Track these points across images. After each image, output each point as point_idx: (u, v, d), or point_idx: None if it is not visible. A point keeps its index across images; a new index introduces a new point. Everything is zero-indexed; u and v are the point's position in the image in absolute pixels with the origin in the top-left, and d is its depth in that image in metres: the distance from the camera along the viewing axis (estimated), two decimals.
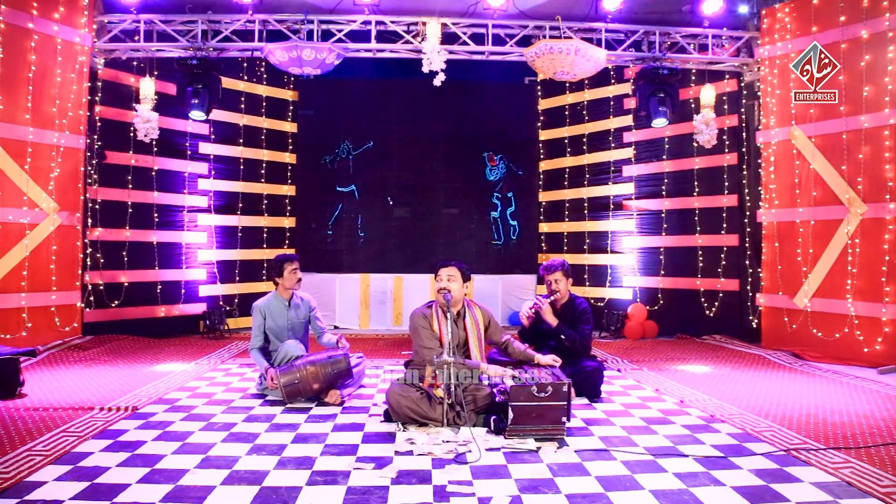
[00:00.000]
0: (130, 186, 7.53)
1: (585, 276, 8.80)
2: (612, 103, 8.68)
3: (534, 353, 4.36)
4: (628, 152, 8.55)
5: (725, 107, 7.84)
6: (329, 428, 3.90)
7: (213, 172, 8.21)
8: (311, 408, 4.38)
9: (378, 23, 7.36)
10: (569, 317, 4.84)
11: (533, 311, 4.79)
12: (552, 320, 4.76)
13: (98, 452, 3.38)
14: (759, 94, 7.48)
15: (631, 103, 8.25)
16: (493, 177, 9.20)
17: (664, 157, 8.27)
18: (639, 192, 8.48)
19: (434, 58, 7.00)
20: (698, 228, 8.02)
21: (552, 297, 4.86)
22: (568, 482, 3.00)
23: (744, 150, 7.76)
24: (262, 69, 8.51)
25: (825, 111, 6.61)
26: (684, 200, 8.14)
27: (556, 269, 4.87)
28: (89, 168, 7.17)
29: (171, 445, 3.52)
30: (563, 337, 4.74)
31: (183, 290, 7.93)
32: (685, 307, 8.08)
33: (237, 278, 8.42)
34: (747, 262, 7.72)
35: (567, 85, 8.93)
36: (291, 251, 8.80)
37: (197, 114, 7.09)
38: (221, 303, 8.26)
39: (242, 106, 8.43)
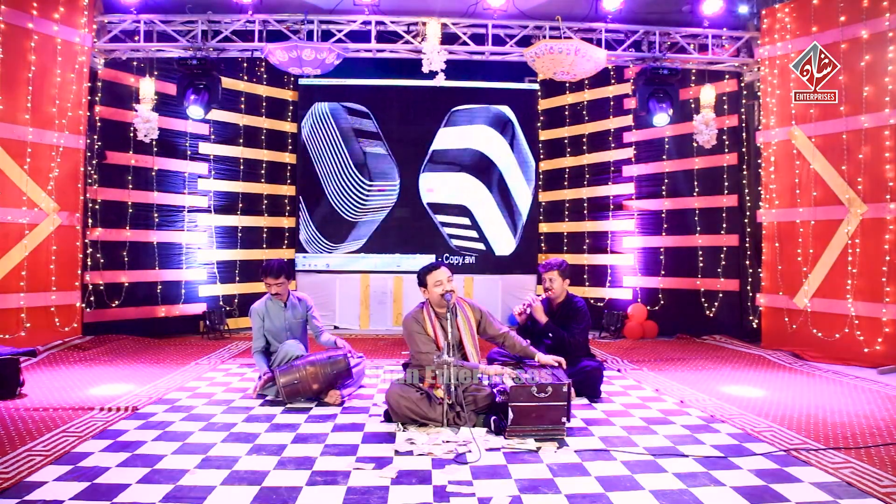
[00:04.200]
0: (130, 186, 7.53)
1: (585, 277, 8.80)
2: (612, 103, 8.68)
3: (535, 350, 4.33)
4: (628, 152, 8.55)
5: (725, 107, 7.84)
6: (329, 428, 3.90)
7: (213, 172, 8.21)
8: (311, 408, 4.38)
9: (378, 23, 7.36)
10: (564, 316, 4.87)
11: (526, 308, 4.83)
12: (542, 318, 4.82)
13: (98, 452, 3.38)
14: (759, 94, 7.48)
15: (631, 103, 8.25)
16: None
17: (664, 157, 8.27)
18: (639, 192, 8.48)
19: (434, 58, 7.00)
20: (698, 228, 8.02)
21: (545, 296, 4.94)
22: (568, 482, 3.00)
23: (744, 150, 7.76)
24: (262, 69, 8.51)
25: (825, 111, 6.61)
26: (684, 200, 8.14)
27: (552, 268, 4.91)
28: (89, 168, 7.17)
29: (171, 445, 3.52)
30: (549, 335, 4.78)
31: (183, 291, 7.93)
32: (685, 307, 8.07)
33: (237, 278, 8.42)
34: (747, 262, 7.72)
35: (567, 85, 8.93)
36: (291, 252, 8.81)
37: (195, 110, 7.08)
38: (221, 303, 8.26)
39: (242, 106, 8.43)
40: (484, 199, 9.13)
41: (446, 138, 9.11)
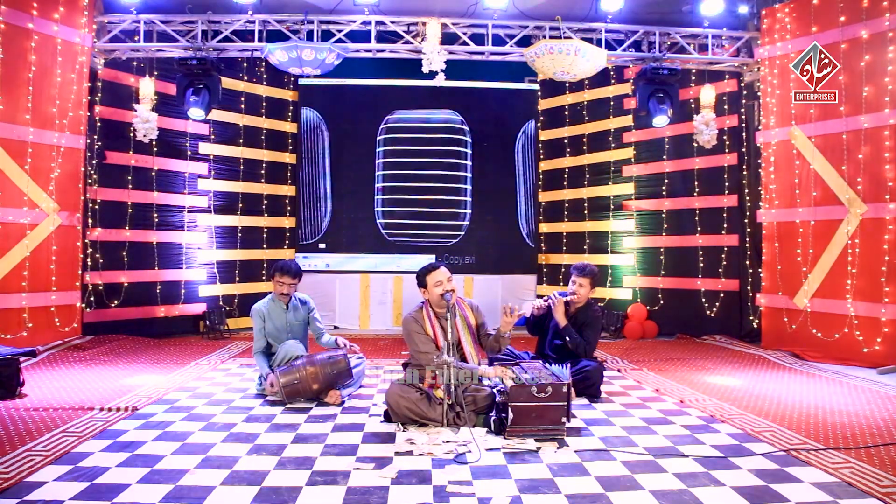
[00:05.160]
0: (130, 186, 7.52)
1: None
2: (612, 103, 8.68)
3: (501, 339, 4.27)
4: (628, 152, 8.55)
5: (725, 107, 7.84)
6: (329, 428, 3.90)
7: (213, 172, 8.21)
8: (311, 408, 4.38)
9: (378, 23, 7.36)
10: (580, 321, 4.84)
11: (546, 304, 4.79)
12: (562, 320, 4.76)
13: (98, 452, 3.38)
14: (759, 94, 7.48)
15: (631, 103, 8.25)
16: None
17: (664, 157, 8.27)
18: (639, 192, 8.47)
19: (434, 58, 7.01)
20: (698, 228, 8.02)
21: (568, 298, 4.83)
22: (568, 482, 3.00)
23: (744, 150, 7.76)
24: (262, 69, 8.50)
25: (825, 111, 6.61)
26: (684, 200, 8.14)
27: (586, 275, 4.83)
28: (89, 168, 7.17)
29: (171, 445, 3.53)
30: (567, 339, 4.74)
31: (183, 291, 7.92)
32: (685, 307, 8.07)
33: (237, 278, 8.41)
34: (747, 262, 7.71)
35: (567, 85, 8.93)
36: (291, 252, 8.81)
37: (196, 111, 7.10)
38: (221, 303, 8.25)
39: (242, 106, 8.42)
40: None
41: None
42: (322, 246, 8.92)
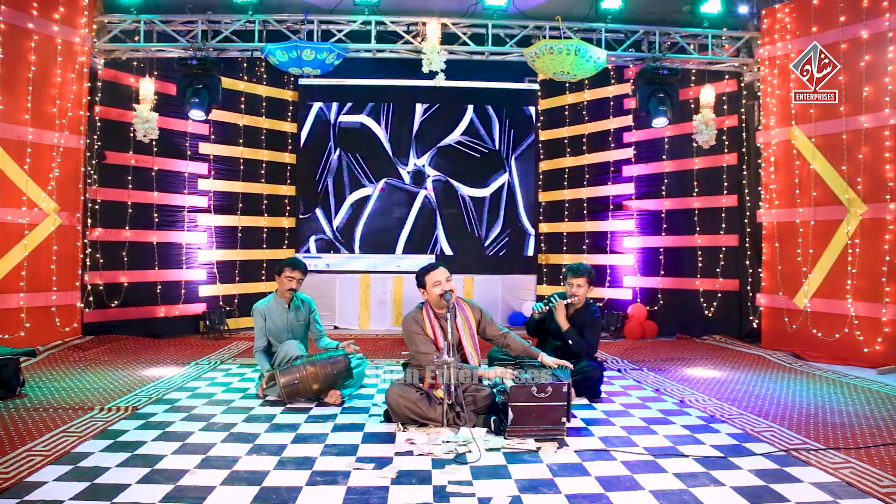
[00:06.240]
0: (130, 186, 7.53)
1: None
2: (612, 103, 8.68)
3: (538, 350, 4.28)
4: (628, 152, 8.54)
5: (725, 107, 7.84)
6: (329, 428, 3.90)
7: (213, 172, 8.21)
8: (311, 408, 4.38)
9: (378, 23, 7.36)
10: (580, 322, 4.83)
11: (547, 308, 4.77)
12: (563, 323, 4.75)
13: (98, 452, 3.38)
14: (759, 94, 7.48)
15: (631, 103, 8.25)
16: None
17: (664, 157, 8.27)
18: (639, 192, 8.47)
19: (434, 58, 7.01)
20: (698, 228, 8.02)
21: (569, 300, 4.81)
22: (568, 482, 3.00)
23: (744, 150, 7.76)
24: (262, 69, 8.50)
25: (825, 111, 6.61)
26: (684, 200, 8.14)
27: (582, 274, 4.80)
28: (89, 168, 7.17)
29: (171, 445, 3.53)
30: (570, 342, 4.73)
31: (183, 291, 7.92)
32: (685, 307, 8.07)
33: (237, 278, 8.41)
34: (747, 263, 7.71)
35: (567, 85, 8.93)
36: (291, 251, 8.80)
37: (197, 113, 7.10)
38: (221, 303, 8.25)
39: (242, 106, 8.42)
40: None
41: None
42: (322, 245, 8.92)
